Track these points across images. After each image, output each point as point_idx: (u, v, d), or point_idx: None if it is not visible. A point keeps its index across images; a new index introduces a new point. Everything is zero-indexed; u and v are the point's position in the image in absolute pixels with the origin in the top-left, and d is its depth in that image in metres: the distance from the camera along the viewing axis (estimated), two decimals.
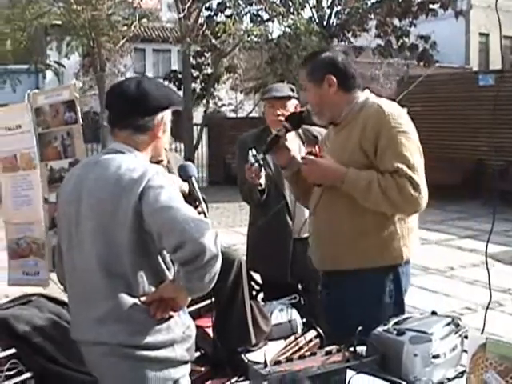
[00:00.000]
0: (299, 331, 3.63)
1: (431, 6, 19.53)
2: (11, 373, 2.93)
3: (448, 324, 2.43)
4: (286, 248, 4.05)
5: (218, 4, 19.89)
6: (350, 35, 20.61)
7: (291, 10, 18.88)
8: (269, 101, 4.18)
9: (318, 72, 3.08)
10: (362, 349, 2.40)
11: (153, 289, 2.42)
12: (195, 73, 21.33)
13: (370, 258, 3.00)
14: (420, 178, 2.90)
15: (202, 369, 3.29)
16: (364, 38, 20.84)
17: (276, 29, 20.27)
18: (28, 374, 2.97)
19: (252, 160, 3.31)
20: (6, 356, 2.97)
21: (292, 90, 4.15)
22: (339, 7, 20.58)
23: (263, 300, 3.89)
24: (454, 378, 2.31)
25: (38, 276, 3.78)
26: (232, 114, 26.77)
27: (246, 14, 19.85)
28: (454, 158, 16.04)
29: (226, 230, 11.71)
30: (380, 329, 2.39)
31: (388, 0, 19.17)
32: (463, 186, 15.23)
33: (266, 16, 19.77)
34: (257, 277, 3.99)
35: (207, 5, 19.74)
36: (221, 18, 19.77)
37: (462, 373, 2.24)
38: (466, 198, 14.87)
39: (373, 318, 2.67)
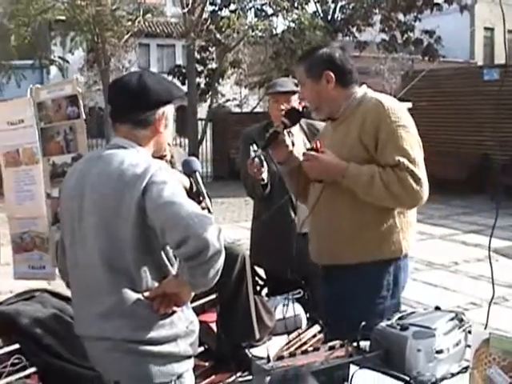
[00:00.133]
0: (303, 326, 3.63)
1: (436, 1, 19.54)
2: (15, 368, 2.94)
3: (452, 319, 2.42)
4: (289, 242, 4.02)
5: None
6: (354, 30, 20.61)
7: (295, 5, 18.89)
8: (273, 95, 4.18)
9: (316, 68, 3.08)
10: (365, 344, 2.39)
11: (156, 284, 2.42)
12: (200, 68, 21.32)
13: (369, 252, 3.01)
14: (421, 171, 2.91)
15: (206, 364, 3.29)
16: (369, 33, 20.84)
17: (280, 23, 20.38)
18: (32, 370, 2.98)
19: (253, 155, 3.30)
20: (9, 351, 2.98)
21: (296, 85, 4.14)
22: (344, 2, 20.60)
23: (267, 295, 3.89)
24: (458, 373, 2.30)
25: (44, 270, 3.77)
26: (237, 109, 26.76)
27: (250, 8, 19.90)
28: (458, 153, 16.01)
29: (230, 225, 11.72)
30: (383, 324, 2.38)
31: None
32: (468, 180, 15.21)
33: (270, 11, 19.81)
34: (261, 271, 3.99)
35: None
36: (225, 12, 19.81)
37: (466, 368, 2.23)
38: (471, 193, 14.85)
39: (370, 312, 2.66)
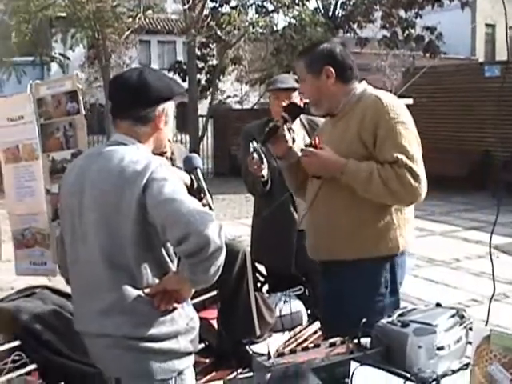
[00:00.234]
0: (304, 323, 3.63)
1: None
2: (16, 365, 2.95)
3: (453, 316, 2.42)
4: (290, 239, 4.03)
5: None
6: (355, 26, 20.58)
7: (296, 1, 18.88)
8: (274, 92, 4.18)
9: (317, 63, 3.07)
10: (366, 341, 2.39)
11: (156, 281, 2.41)
12: (200, 64, 21.30)
13: (367, 249, 3.00)
14: (419, 168, 2.91)
15: (207, 360, 3.30)
16: (370, 29, 20.81)
17: (281, 20, 20.37)
18: (32, 366, 2.99)
19: (252, 150, 3.30)
20: (10, 348, 2.98)
21: (297, 82, 4.14)
22: None
23: (268, 291, 3.89)
24: (459, 369, 2.29)
25: (46, 266, 3.78)
26: (237, 106, 26.74)
27: (251, 5, 19.87)
28: (460, 150, 16.00)
29: (231, 221, 11.71)
30: (384, 320, 2.38)
31: None
32: (469, 177, 15.20)
33: (271, 7, 19.79)
34: (261, 268, 3.99)
35: None
36: (226, 9, 19.80)
37: (467, 365, 2.23)
38: (472, 190, 14.84)
39: (369, 309, 2.66)
